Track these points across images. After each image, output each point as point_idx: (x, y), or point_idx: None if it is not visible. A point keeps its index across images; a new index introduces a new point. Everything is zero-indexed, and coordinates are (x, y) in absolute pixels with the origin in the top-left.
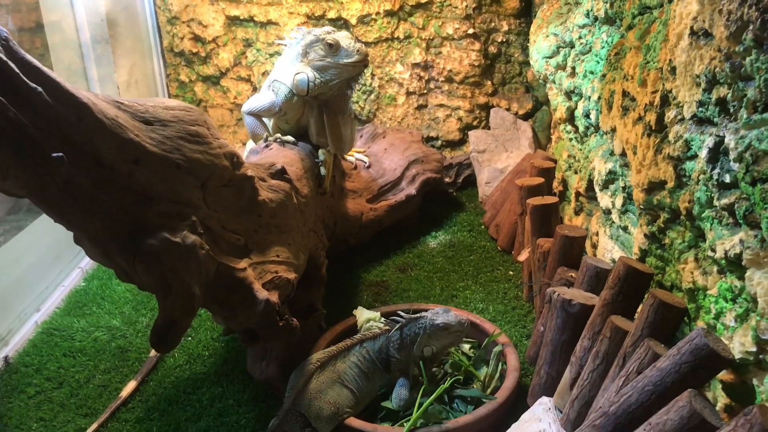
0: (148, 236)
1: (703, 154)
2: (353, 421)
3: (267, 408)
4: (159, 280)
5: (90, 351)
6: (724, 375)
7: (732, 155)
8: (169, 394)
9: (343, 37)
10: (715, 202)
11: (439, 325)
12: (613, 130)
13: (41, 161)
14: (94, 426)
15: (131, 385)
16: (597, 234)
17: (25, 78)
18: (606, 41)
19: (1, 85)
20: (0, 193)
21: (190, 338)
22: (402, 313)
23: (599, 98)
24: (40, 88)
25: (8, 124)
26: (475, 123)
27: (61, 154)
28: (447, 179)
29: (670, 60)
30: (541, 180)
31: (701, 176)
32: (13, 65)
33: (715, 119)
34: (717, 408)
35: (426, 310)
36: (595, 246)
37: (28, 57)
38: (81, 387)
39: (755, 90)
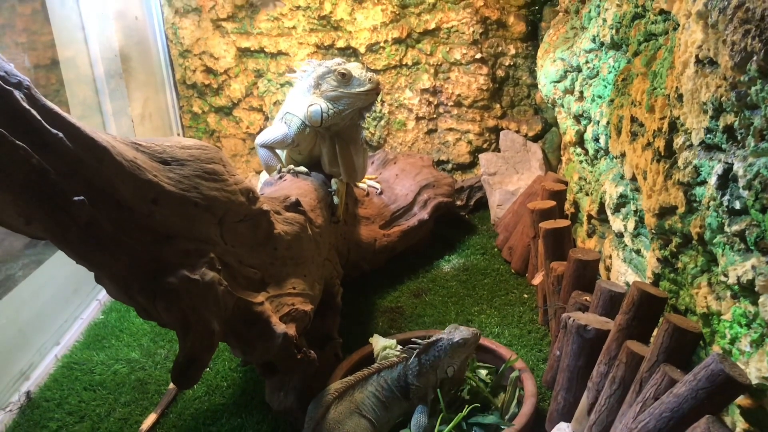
0: (168, 274)
1: (713, 180)
2: None
3: None
4: (179, 318)
5: (110, 384)
6: (741, 400)
7: (741, 182)
8: (189, 426)
9: (355, 67)
10: (726, 228)
11: (459, 342)
12: (623, 155)
13: (63, 205)
14: None
15: (151, 418)
16: (610, 257)
17: (46, 124)
18: (613, 66)
19: (24, 132)
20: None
21: (208, 369)
22: (418, 340)
23: (608, 123)
24: (61, 134)
25: (31, 170)
26: (485, 146)
27: (82, 197)
28: (459, 202)
29: (676, 87)
30: (552, 203)
31: (711, 202)
32: (35, 113)
33: (724, 146)
34: None
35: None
36: (608, 269)
37: (49, 104)
38: (102, 421)
39: (761, 119)
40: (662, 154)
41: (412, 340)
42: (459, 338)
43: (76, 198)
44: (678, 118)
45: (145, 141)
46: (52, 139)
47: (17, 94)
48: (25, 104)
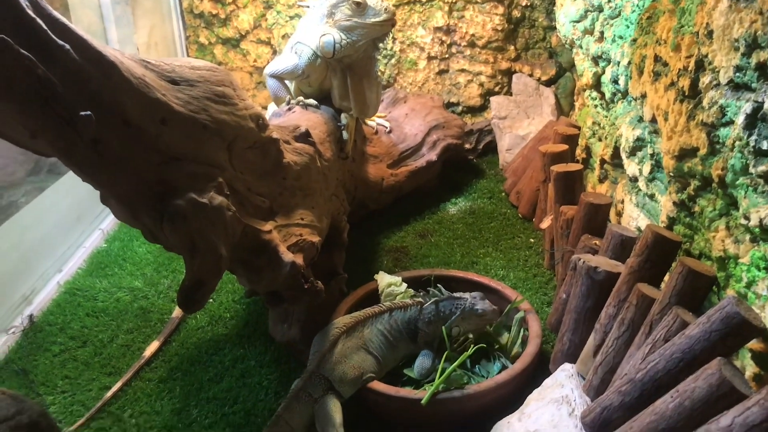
0: (176, 197)
1: (740, 120)
2: (377, 385)
3: (288, 370)
4: (186, 241)
5: (113, 311)
6: (753, 344)
7: None
8: (192, 355)
9: None
10: (751, 170)
11: (476, 311)
12: (643, 96)
13: (69, 120)
14: (119, 385)
15: (154, 345)
16: (622, 202)
17: (53, 35)
18: (637, 5)
19: (29, 42)
20: (25, 153)
21: (212, 300)
22: (441, 288)
23: (629, 63)
24: (68, 46)
25: (37, 81)
26: (497, 89)
27: (89, 112)
28: (467, 146)
29: (707, 24)
30: (565, 147)
31: (736, 143)
32: (41, 22)
33: (754, 85)
34: (745, 376)
35: (451, 278)
36: (619, 214)
37: (56, 14)
38: (105, 346)
39: None
40: (686, 94)
41: (437, 286)
42: (479, 308)
43: (82, 113)
44: (706, 56)
45: (154, 60)
46: (59, 51)
47: (22, 1)
48: (30, 12)
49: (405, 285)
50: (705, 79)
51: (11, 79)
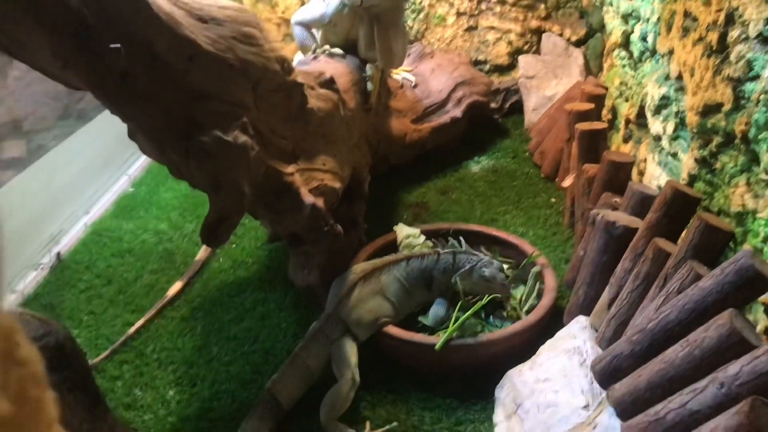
0: (201, 133)
1: (767, 73)
2: (391, 329)
3: (307, 313)
4: (210, 178)
5: (138, 252)
6: (766, 298)
7: None
8: (214, 296)
9: None
10: None
11: (482, 272)
12: (671, 52)
13: (100, 52)
14: (142, 321)
15: (177, 286)
16: (645, 161)
17: None
18: None
19: None
20: (55, 98)
21: (234, 245)
22: (462, 240)
23: (658, 20)
24: None
25: (69, 13)
26: (525, 48)
27: (118, 45)
28: (493, 105)
29: None
30: (591, 105)
31: (762, 96)
32: None
33: None
34: (757, 330)
35: (469, 232)
36: (642, 173)
37: None
38: (129, 285)
39: None
40: (714, 48)
41: (459, 238)
42: (487, 272)
43: (112, 45)
44: (736, 9)
45: None
46: None
47: None
48: None
49: (423, 237)
50: (734, 33)
51: (45, 10)
